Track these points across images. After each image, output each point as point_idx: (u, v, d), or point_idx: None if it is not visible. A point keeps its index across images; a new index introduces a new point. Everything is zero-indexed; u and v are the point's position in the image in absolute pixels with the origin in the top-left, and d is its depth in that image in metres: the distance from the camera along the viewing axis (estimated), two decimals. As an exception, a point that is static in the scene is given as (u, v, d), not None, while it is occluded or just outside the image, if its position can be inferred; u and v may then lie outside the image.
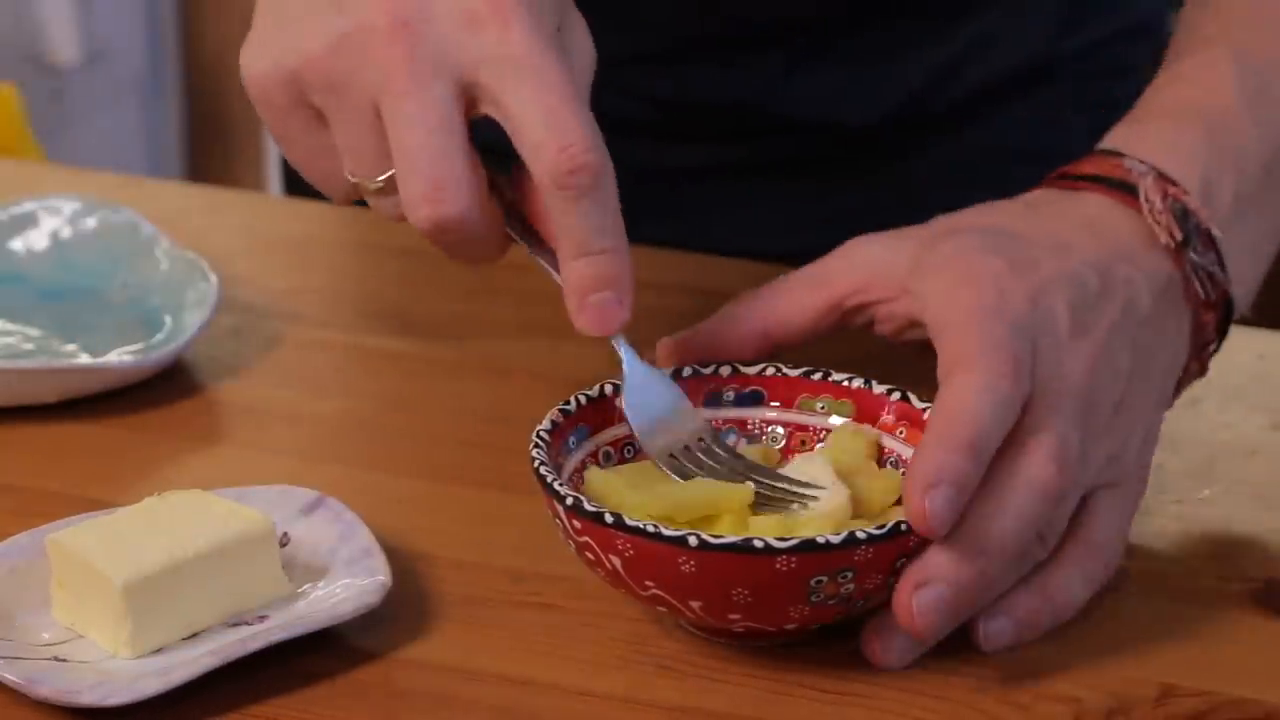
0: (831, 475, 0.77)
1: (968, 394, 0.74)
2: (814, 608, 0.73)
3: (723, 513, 0.76)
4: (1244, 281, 0.84)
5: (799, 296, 0.83)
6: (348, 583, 0.77)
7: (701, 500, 0.76)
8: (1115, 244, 0.81)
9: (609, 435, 0.80)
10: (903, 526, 0.72)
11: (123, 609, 0.73)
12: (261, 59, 0.78)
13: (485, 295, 1.03)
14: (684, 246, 1.08)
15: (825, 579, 0.72)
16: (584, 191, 0.74)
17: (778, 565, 0.71)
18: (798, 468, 0.78)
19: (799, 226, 1.12)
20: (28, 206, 1.05)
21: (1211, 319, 0.83)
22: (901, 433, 0.80)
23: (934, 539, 0.73)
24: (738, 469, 0.78)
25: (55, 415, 0.91)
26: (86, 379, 0.92)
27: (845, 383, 0.81)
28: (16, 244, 1.03)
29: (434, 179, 0.75)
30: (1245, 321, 0.85)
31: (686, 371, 0.82)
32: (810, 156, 1.13)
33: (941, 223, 0.83)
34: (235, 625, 0.76)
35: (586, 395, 0.80)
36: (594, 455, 0.80)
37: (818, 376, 0.82)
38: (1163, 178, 0.83)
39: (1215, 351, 0.84)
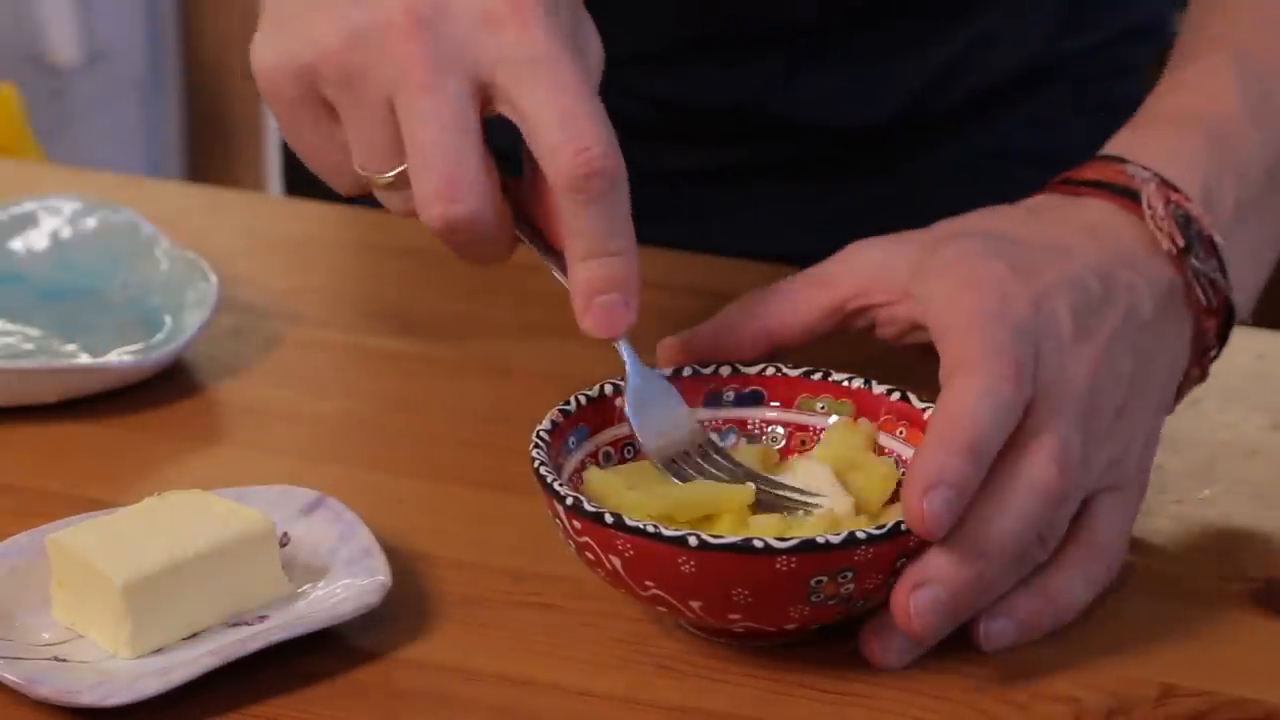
0: (832, 481, 0.77)
1: (969, 397, 0.74)
2: (814, 608, 0.73)
3: (723, 512, 0.76)
4: (1245, 288, 0.84)
5: (800, 299, 0.83)
6: (348, 583, 0.77)
7: (702, 500, 0.76)
8: (1117, 249, 0.81)
9: (609, 435, 0.80)
10: (903, 527, 0.72)
11: (123, 609, 0.73)
12: (273, 50, 0.77)
13: (485, 295, 1.03)
14: (684, 248, 1.08)
15: (825, 579, 0.72)
16: (598, 195, 0.74)
17: (778, 565, 0.71)
18: (798, 474, 0.78)
19: (799, 228, 1.12)
20: (28, 206, 1.05)
21: (1212, 325, 0.83)
22: (901, 433, 0.80)
23: (932, 540, 0.73)
24: (738, 476, 0.78)
25: (55, 415, 0.91)
26: (86, 379, 0.92)
27: (845, 383, 0.81)
28: (16, 244, 1.03)
29: (448, 178, 0.75)
30: (1243, 322, 0.85)
31: (686, 371, 0.82)
32: (810, 158, 1.13)
33: (943, 227, 0.83)
34: (235, 625, 0.76)
35: (586, 395, 0.80)
36: (594, 455, 0.80)
37: (818, 376, 0.82)
38: (1165, 184, 0.83)
39: (1216, 357, 0.84)
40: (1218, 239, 0.82)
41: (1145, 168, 0.83)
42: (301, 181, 1.26)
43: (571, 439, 0.79)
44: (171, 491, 0.78)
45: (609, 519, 0.72)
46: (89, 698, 0.71)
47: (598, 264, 0.76)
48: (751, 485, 0.77)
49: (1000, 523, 0.74)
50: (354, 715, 0.73)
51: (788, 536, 0.72)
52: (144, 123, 2.78)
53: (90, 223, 1.04)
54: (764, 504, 0.77)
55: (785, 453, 0.82)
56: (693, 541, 0.71)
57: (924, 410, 0.79)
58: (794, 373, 0.82)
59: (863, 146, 1.13)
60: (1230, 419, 0.93)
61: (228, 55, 2.79)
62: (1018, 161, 1.12)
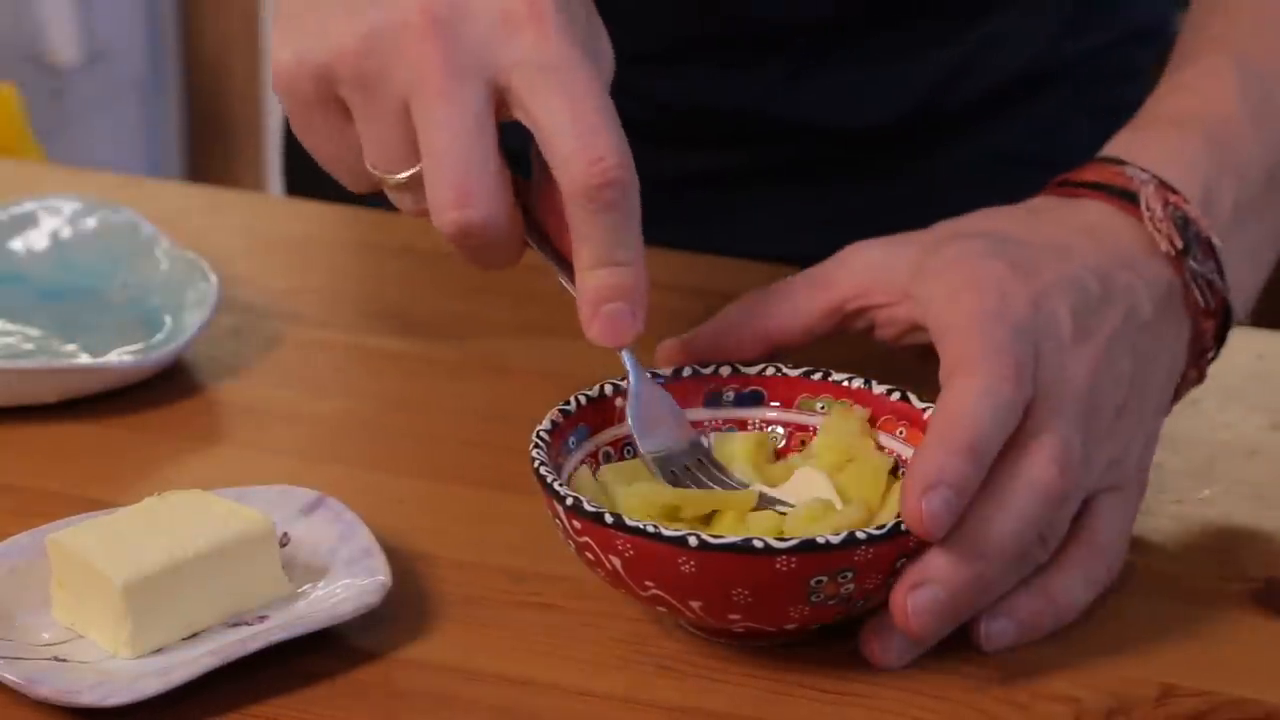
0: (832, 492, 0.77)
1: (969, 397, 0.74)
2: (814, 608, 0.73)
3: (725, 509, 0.76)
4: (1243, 290, 0.84)
5: (800, 299, 0.83)
6: (348, 583, 0.77)
7: (706, 497, 0.77)
8: (1116, 251, 0.81)
9: (609, 435, 0.80)
10: (903, 526, 0.72)
11: (123, 609, 0.73)
12: (289, 50, 0.77)
13: (485, 295, 1.03)
14: (684, 250, 1.08)
15: (825, 579, 0.72)
16: (609, 205, 0.74)
17: (778, 565, 0.71)
18: (798, 485, 0.78)
19: (800, 231, 1.12)
20: (28, 206, 1.05)
21: (1210, 326, 0.83)
22: (901, 433, 0.80)
23: (931, 541, 0.73)
24: (737, 490, 0.78)
25: (55, 415, 0.91)
26: (86, 379, 0.92)
27: (845, 383, 0.82)
28: (16, 244, 1.03)
29: (462, 183, 0.74)
30: (1242, 322, 0.85)
31: (686, 371, 0.82)
32: (811, 161, 1.13)
33: (943, 228, 0.83)
34: (235, 625, 0.76)
35: (586, 395, 0.80)
36: (594, 455, 0.80)
37: (818, 376, 0.82)
38: (1163, 186, 0.83)
39: (1214, 359, 0.84)
40: (1216, 241, 0.82)
41: (1144, 169, 0.83)
42: (301, 181, 1.26)
43: (571, 439, 0.79)
44: (171, 491, 0.78)
45: (609, 519, 0.72)
46: (89, 698, 0.71)
47: (606, 273, 0.76)
48: (755, 490, 0.77)
49: (1000, 523, 0.74)
50: (354, 715, 0.73)
51: (787, 536, 0.72)
52: (144, 123, 2.78)
53: (90, 223, 1.04)
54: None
55: (785, 452, 0.82)
56: (693, 541, 0.71)
57: (924, 410, 0.79)
58: (794, 373, 0.82)
59: (865, 149, 1.13)
60: (1230, 419, 0.93)
61: (228, 55, 2.79)
62: (1022, 164, 1.12)
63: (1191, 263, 0.82)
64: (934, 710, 0.74)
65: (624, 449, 0.81)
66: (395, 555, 0.79)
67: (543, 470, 0.75)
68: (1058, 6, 1.13)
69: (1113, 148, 0.86)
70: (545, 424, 0.78)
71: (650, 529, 0.72)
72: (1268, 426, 0.93)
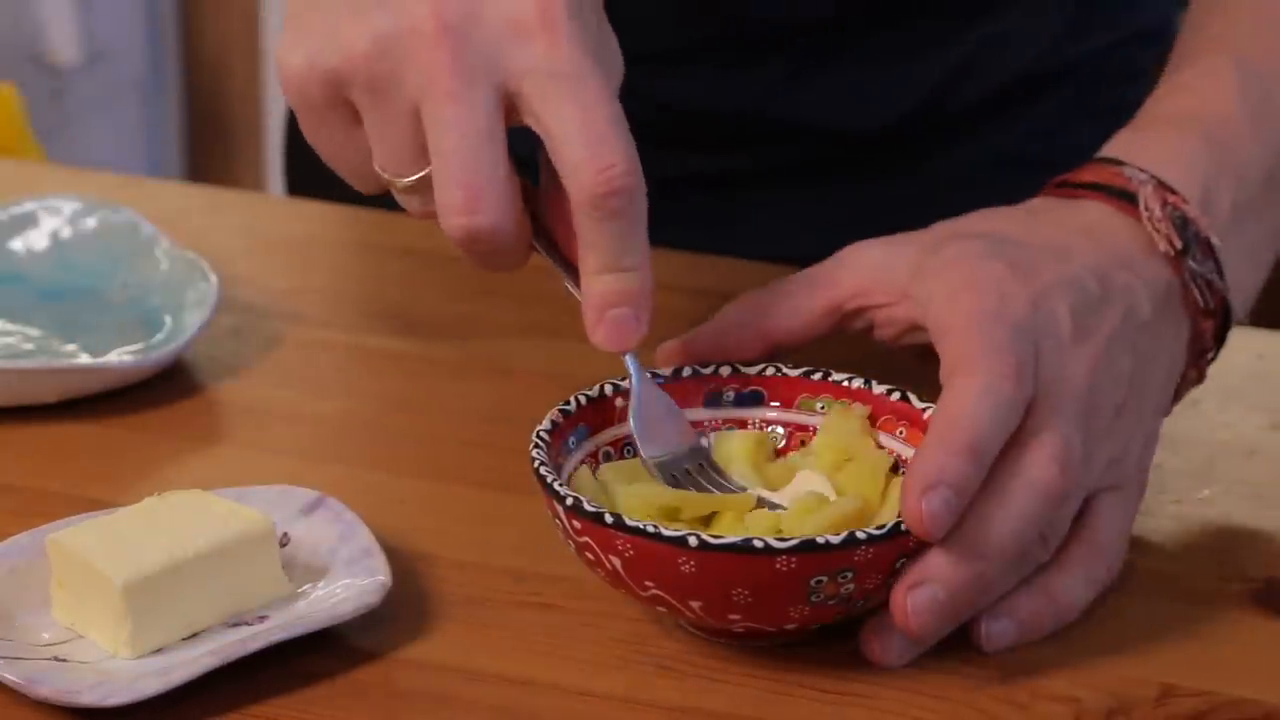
0: (832, 494, 0.77)
1: (969, 397, 0.74)
2: (814, 608, 0.73)
3: (725, 510, 0.76)
4: (1242, 289, 0.84)
5: (799, 299, 0.83)
6: (348, 583, 0.77)
7: (705, 499, 0.77)
8: (1115, 251, 0.81)
9: (609, 435, 0.81)
10: (903, 527, 0.72)
11: (123, 609, 0.73)
12: (299, 54, 0.77)
13: (487, 295, 1.03)
14: (685, 250, 1.08)
15: (825, 579, 0.72)
16: (617, 212, 0.74)
17: (778, 565, 0.71)
18: (797, 489, 0.78)
19: (801, 232, 1.12)
20: (28, 206, 1.05)
21: (1209, 327, 0.83)
22: (901, 433, 0.80)
23: (931, 541, 0.73)
24: (738, 494, 0.78)
25: (55, 415, 0.91)
26: (86, 379, 0.92)
27: (845, 383, 0.82)
28: (16, 244, 1.03)
29: (471, 189, 0.74)
30: (1242, 322, 0.85)
31: (686, 371, 0.82)
32: (812, 161, 1.13)
33: (942, 228, 0.83)
34: (235, 625, 0.76)
35: (586, 395, 0.80)
36: (594, 455, 0.80)
37: (818, 376, 0.82)
38: (1162, 186, 0.83)
39: (1213, 359, 0.84)
40: (1215, 241, 0.82)
41: (1142, 170, 0.83)
42: (302, 181, 1.26)
43: (571, 439, 0.79)
44: (171, 491, 0.78)
45: (609, 519, 0.72)
46: (89, 698, 0.71)
47: (611, 278, 0.76)
48: (754, 493, 0.77)
49: (1000, 523, 0.74)
50: (354, 715, 0.73)
51: (786, 535, 0.72)
52: (144, 123, 2.78)
53: (90, 223, 1.04)
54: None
55: (784, 452, 0.82)
56: (693, 541, 0.71)
57: (924, 410, 0.79)
58: (794, 373, 0.82)
59: (866, 150, 1.13)
60: (1229, 419, 0.93)
61: (228, 55, 2.79)
62: (1023, 165, 1.12)
63: (1190, 263, 0.82)
64: (934, 710, 0.74)
65: (624, 448, 0.81)
66: (396, 555, 0.79)
67: (542, 470, 0.75)
68: (1059, 7, 1.13)
69: (1111, 148, 0.86)
70: (545, 424, 0.78)
71: (650, 529, 0.72)
72: (1267, 426, 0.93)
